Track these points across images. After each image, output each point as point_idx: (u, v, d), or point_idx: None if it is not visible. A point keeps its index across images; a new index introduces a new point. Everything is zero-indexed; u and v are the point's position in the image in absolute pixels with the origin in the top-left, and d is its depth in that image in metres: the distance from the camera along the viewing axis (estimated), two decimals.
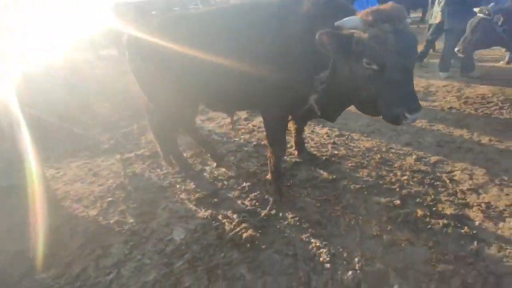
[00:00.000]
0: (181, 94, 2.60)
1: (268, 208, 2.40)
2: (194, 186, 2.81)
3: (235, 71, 2.19)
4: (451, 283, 1.72)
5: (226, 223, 2.28)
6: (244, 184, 2.77)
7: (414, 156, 2.95)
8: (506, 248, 1.92)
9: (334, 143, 3.35)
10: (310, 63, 1.99)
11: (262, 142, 3.51)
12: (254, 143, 3.52)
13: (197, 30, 2.34)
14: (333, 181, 2.69)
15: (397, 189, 2.51)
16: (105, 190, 2.88)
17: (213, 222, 2.32)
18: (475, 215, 2.20)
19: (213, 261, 1.98)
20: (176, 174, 3.04)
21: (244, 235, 2.09)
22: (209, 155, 3.22)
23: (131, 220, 2.45)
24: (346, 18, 1.72)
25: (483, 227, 2.10)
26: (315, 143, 3.37)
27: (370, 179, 2.67)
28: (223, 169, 3.04)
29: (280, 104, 2.22)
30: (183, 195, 2.71)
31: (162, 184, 2.88)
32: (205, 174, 3.01)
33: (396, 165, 2.85)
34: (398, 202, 2.36)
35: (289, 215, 2.34)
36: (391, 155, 3.03)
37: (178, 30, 2.41)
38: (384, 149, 3.14)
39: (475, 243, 1.96)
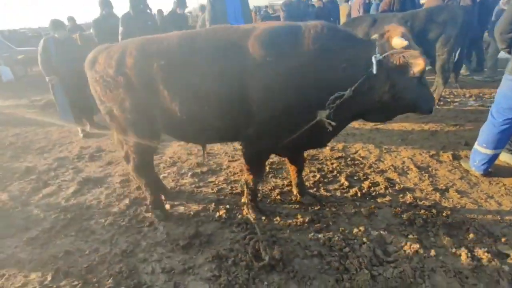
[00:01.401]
0: (168, 124, 2.35)
1: (257, 227, 2.43)
2: (165, 235, 2.45)
3: (227, 100, 2.09)
4: (416, 223, 2.42)
5: (241, 254, 2.18)
6: (217, 214, 2.66)
7: (327, 148, 3.70)
8: (423, 190, 2.85)
9: None
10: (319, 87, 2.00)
11: (197, 170, 3.40)
12: (190, 173, 3.35)
13: (188, 54, 2.13)
14: (291, 184, 3.02)
15: (338, 175, 3.14)
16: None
17: (225, 259, 2.16)
18: (393, 175, 3.09)
19: None
20: (127, 232, 2.53)
21: (275, 253, 2.09)
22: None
23: None
24: (398, 38, 1.83)
25: (402, 181, 3.00)
26: None
27: (316, 173, 3.17)
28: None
29: (274, 135, 2.18)
30: (161, 250, 2.32)
31: (123, 249, 2.34)
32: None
33: (321, 158, 3.50)
34: (346, 183, 2.97)
35: (284, 224, 2.49)
36: (311, 151, 3.66)
37: (168, 52, 2.16)
38: None
39: (407, 193, 2.79)
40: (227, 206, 2.73)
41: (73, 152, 4.17)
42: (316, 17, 8.17)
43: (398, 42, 1.79)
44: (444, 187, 2.85)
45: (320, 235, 2.34)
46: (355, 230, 2.38)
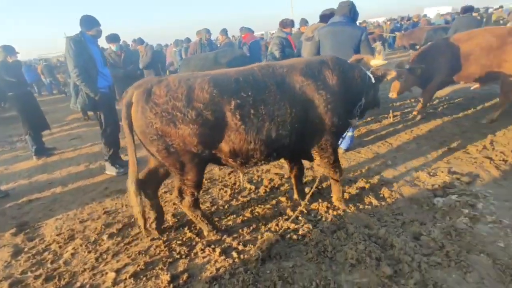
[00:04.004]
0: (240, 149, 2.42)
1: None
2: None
3: (298, 124, 2.51)
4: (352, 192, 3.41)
5: (227, 266, 2.38)
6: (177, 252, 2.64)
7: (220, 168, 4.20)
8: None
9: None
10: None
11: (113, 230, 3.03)
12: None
13: (258, 89, 2.38)
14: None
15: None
16: None
17: (220, 277, 2.30)
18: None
19: None
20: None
21: (261, 245, 2.45)
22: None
23: None
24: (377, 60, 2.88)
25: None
26: None
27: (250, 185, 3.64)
28: None
29: (338, 137, 2.84)
30: None
31: None
32: None
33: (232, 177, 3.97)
34: (268, 185, 3.63)
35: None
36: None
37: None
38: None
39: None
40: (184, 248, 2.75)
41: None
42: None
43: (378, 62, 2.82)
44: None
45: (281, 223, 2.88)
46: (316, 207, 3.10)
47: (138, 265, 2.51)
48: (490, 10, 15.75)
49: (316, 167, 3.91)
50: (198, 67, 5.48)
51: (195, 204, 2.67)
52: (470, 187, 3.22)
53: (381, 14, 38.16)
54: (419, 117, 5.44)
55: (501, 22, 11.81)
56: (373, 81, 2.81)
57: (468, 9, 7.29)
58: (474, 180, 3.34)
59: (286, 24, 5.82)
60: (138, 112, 2.25)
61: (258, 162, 2.63)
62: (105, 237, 2.96)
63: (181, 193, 2.62)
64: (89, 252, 2.78)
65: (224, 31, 8.82)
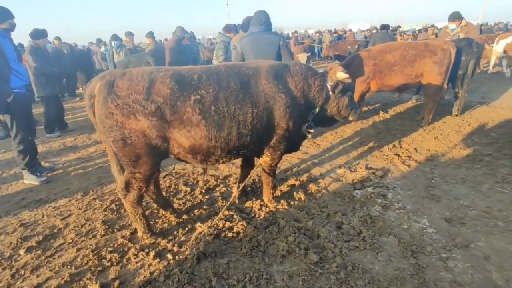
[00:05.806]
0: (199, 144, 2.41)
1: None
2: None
3: (258, 124, 2.53)
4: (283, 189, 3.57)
5: (161, 268, 2.35)
6: (106, 260, 2.51)
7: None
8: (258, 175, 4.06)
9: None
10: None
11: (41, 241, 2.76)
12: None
13: (220, 87, 2.39)
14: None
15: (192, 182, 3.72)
16: None
17: (155, 280, 2.26)
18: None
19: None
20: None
21: (199, 246, 2.46)
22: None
23: None
24: (341, 72, 2.83)
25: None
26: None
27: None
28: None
29: (286, 142, 2.82)
30: None
31: None
32: None
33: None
34: (204, 186, 3.63)
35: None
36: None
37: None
38: None
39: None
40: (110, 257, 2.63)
41: None
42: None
43: (342, 75, 2.81)
44: None
45: (215, 222, 2.92)
46: (250, 205, 3.22)
47: (62, 278, 2.33)
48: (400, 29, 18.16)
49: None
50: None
51: (139, 200, 2.62)
52: (383, 180, 3.69)
53: (311, 27, 40.94)
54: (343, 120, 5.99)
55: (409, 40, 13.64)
56: (331, 92, 2.87)
57: (385, 27, 8.38)
58: (386, 174, 3.84)
59: (230, 29, 5.93)
60: (99, 102, 2.25)
61: (219, 160, 2.63)
62: (22, 251, 2.68)
63: (127, 187, 2.55)
64: (4, 269, 2.50)
65: (151, 34, 8.65)
